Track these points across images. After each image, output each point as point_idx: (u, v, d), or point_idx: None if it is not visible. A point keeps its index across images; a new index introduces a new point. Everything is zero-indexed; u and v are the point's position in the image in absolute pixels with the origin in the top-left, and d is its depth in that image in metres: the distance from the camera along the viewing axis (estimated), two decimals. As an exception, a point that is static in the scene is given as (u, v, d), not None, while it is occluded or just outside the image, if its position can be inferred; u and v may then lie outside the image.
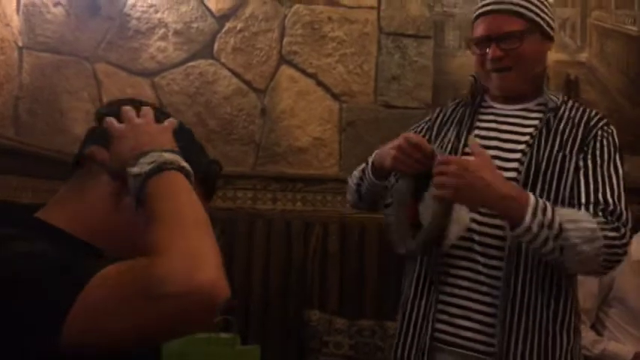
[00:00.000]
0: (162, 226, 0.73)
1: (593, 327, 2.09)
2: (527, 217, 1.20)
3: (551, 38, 1.42)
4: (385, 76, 2.56)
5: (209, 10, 2.53)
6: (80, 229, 0.86)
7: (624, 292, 2.05)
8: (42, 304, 0.69)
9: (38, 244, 0.77)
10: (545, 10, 1.39)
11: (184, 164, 0.81)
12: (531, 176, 1.32)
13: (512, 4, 1.37)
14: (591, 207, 1.28)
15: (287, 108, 2.53)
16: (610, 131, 1.37)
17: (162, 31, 2.51)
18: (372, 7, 2.57)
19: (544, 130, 1.37)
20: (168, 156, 0.81)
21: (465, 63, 2.61)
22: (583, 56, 2.70)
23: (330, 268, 2.41)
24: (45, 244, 0.78)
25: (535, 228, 1.20)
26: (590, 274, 1.27)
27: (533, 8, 1.37)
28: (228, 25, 2.54)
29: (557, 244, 1.21)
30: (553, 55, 2.65)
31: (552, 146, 1.34)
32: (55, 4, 2.49)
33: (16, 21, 2.43)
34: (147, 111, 0.92)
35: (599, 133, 1.35)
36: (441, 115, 1.56)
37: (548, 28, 1.39)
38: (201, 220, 0.77)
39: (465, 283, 1.35)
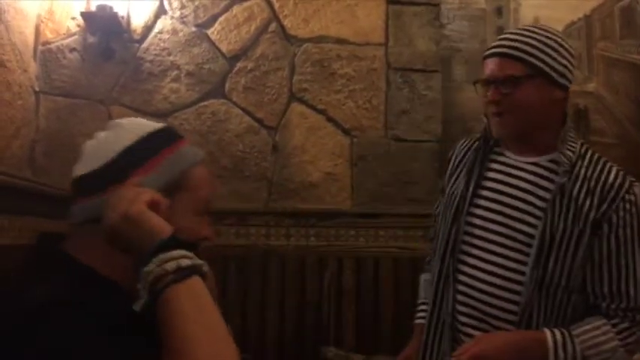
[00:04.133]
0: (176, 351, 0.71)
1: None
2: None
3: (562, 87, 1.34)
4: (395, 110, 2.58)
5: (220, 51, 2.59)
6: (108, 270, 0.86)
7: None
8: None
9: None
10: (556, 56, 1.33)
11: (198, 262, 0.78)
12: (546, 247, 1.29)
13: (514, 48, 1.33)
14: (612, 306, 1.29)
15: (298, 144, 2.56)
16: (633, 199, 1.30)
17: (174, 72, 2.57)
18: (379, 44, 2.62)
19: (558, 196, 1.30)
20: (184, 261, 0.76)
21: (472, 96, 2.60)
22: (591, 86, 2.72)
23: (346, 303, 2.40)
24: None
25: None
26: None
27: (537, 53, 1.32)
28: (239, 65, 2.59)
29: None
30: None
31: (567, 216, 1.30)
32: (71, 50, 2.56)
33: (33, 67, 2.49)
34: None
35: (621, 205, 1.29)
36: (454, 158, 1.54)
37: (557, 76, 1.32)
38: (216, 339, 0.74)
39: None
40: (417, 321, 1.60)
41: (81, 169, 0.91)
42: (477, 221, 1.39)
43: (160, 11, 2.59)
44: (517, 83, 1.31)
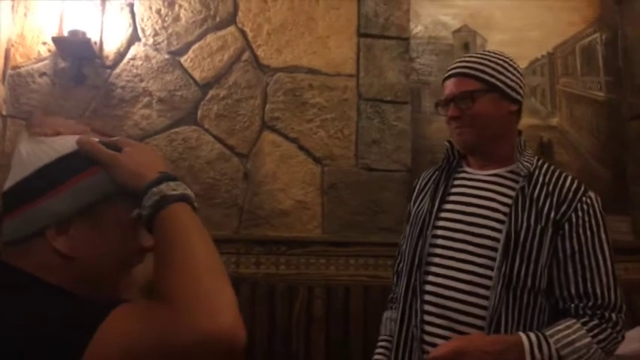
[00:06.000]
0: (175, 270, 0.73)
1: None
2: None
3: (515, 101, 1.48)
4: (365, 139, 2.62)
5: (193, 78, 2.60)
6: (47, 276, 0.83)
7: None
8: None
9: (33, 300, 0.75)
10: (506, 73, 1.47)
11: (189, 192, 0.83)
12: (511, 247, 1.35)
13: (468, 67, 1.48)
14: (580, 305, 1.33)
15: (270, 172, 2.56)
16: (589, 202, 1.39)
17: (146, 99, 2.56)
18: (350, 75, 2.67)
19: (520, 199, 1.39)
20: (190, 192, 0.83)
21: (441, 127, 2.69)
22: (554, 120, 2.81)
23: (315, 331, 2.38)
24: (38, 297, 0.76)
25: None
26: None
27: (489, 71, 1.46)
28: (211, 92, 2.60)
29: None
30: (526, 120, 2.75)
31: (529, 216, 1.37)
32: (41, 75, 2.54)
33: (1, 90, 2.46)
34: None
35: (578, 206, 1.37)
36: (419, 184, 1.65)
37: (509, 90, 1.46)
38: (214, 260, 0.77)
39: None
40: (376, 357, 1.60)
41: (6, 185, 0.88)
42: (442, 232, 1.46)
43: (133, 38, 2.60)
44: (474, 98, 1.44)
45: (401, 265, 1.60)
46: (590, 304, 1.33)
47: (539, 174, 1.43)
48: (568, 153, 2.77)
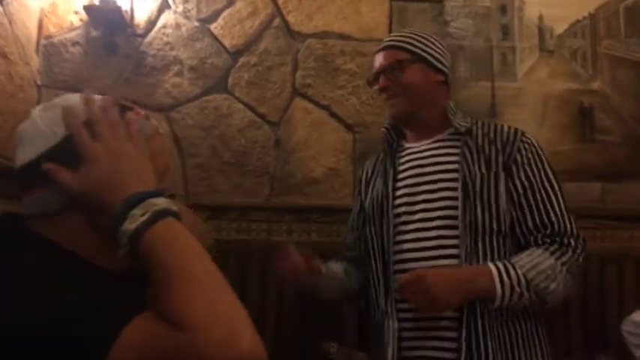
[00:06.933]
0: (181, 290, 0.69)
1: None
2: (498, 288, 1.33)
3: (441, 72, 1.58)
4: (398, 106, 2.57)
5: (223, 46, 2.58)
6: (80, 250, 0.83)
7: None
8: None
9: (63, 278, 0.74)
10: (432, 46, 1.60)
11: (175, 208, 0.77)
12: (470, 195, 1.42)
13: (396, 41, 1.62)
14: (539, 235, 1.42)
15: (301, 139, 2.54)
16: (529, 141, 1.50)
17: (177, 67, 2.56)
18: (382, 40, 2.60)
19: (466, 151, 1.48)
20: (161, 203, 0.76)
21: (478, 93, 2.63)
22: (595, 84, 2.70)
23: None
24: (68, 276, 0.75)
25: (507, 292, 1.33)
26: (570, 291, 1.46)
27: (416, 43, 1.59)
28: (242, 60, 2.58)
29: (531, 293, 1.35)
30: (565, 84, 2.66)
31: (480, 165, 1.46)
32: (74, 44, 2.55)
33: (35, 60, 2.49)
34: (118, 123, 0.83)
35: (521, 146, 1.47)
36: (365, 173, 1.74)
37: (435, 61, 1.59)
38: (217, 274, 0.73)
39: None
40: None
41: (24, 156, 0.85)
42: (404, 209, 1.52)
43: (164, 6, 2.59)
44: (402, 67, 1.55)
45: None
46: (548, 232, 1.41)
47: (477, 128, 1.52)
48: (610, 118, 2.66)
